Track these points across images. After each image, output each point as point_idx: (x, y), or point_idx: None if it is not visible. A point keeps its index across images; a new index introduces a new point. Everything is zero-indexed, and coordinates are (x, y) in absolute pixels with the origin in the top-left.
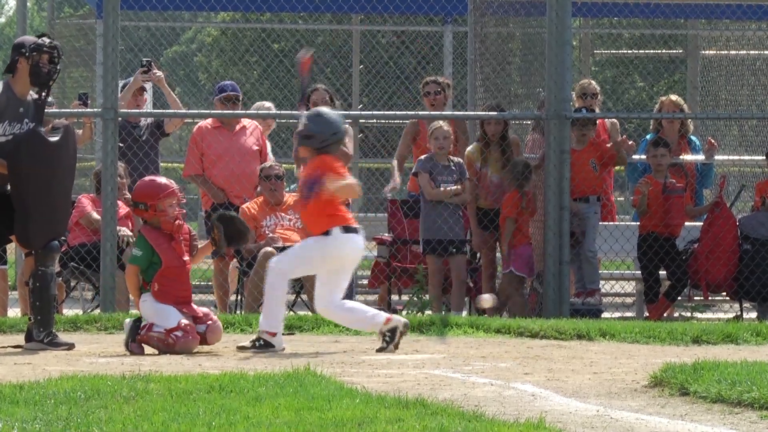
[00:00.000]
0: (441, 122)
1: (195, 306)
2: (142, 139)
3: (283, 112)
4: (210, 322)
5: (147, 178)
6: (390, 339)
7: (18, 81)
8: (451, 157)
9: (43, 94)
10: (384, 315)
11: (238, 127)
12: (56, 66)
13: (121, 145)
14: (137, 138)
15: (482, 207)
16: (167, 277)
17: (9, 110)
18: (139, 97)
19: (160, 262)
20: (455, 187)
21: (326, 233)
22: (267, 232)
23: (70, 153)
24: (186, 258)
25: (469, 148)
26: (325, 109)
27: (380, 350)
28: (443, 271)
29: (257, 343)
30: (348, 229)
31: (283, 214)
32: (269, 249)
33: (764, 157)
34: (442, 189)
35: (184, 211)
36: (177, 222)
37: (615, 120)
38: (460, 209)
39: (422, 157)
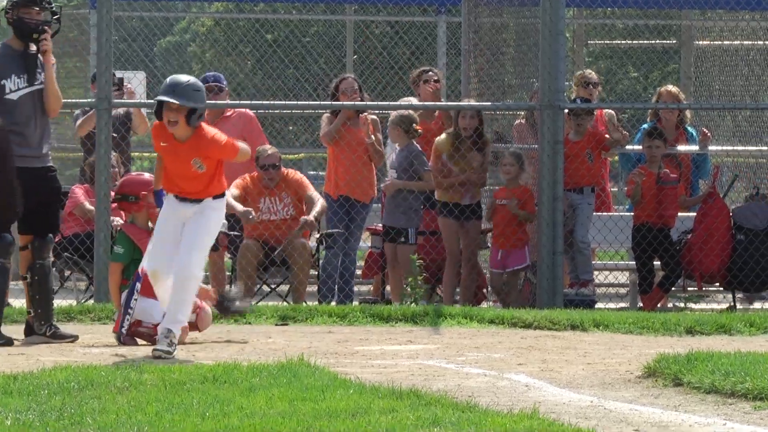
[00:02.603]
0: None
1: None
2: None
3: (275, 102)
4: (199, 310)
5: (131, 174)
6: (168, 344)
7: (12, 36)
8: (415, 144)
9: (33, 47)
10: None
11: (219, 119)
12: (47, 19)
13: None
14: None
15: (442, 200)
16: None
17: (11, 65)
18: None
19: (141, 258)
20: None
21: (222, 195)
22: (258, 215)
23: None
24: None
25: (439, 138)
26: (189, 79)
27: (155, 352)
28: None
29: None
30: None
31: (277, 200)
32: (249, 242)
33: (758, 148)
34: None
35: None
36: None
37: (612, 112)
38: (421, 199)
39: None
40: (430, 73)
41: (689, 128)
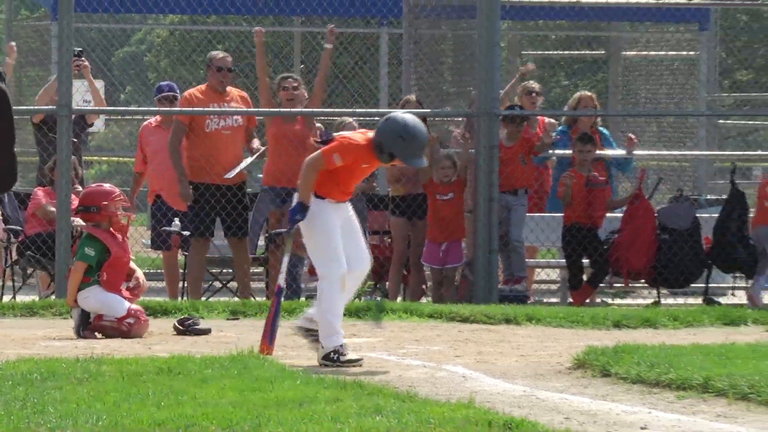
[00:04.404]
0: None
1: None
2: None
3: (227, 109)
4: (140, 314)
5: (93, 185)
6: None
7: None
8: None
9: None
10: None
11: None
12: None
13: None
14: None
15: (396, 194)
16: (114, 267)
17: None
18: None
19: (105, 258)
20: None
21: None
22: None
23: None
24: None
25: None
26: (425, 129)
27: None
28: None
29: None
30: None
31: (226, 107)
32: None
33: (681, 152)
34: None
35: (134, 216)
36: (123, 224)
37: (554, 120)
38: (364, 201)
39: None
40: (289, 80)
41: (601, 129)
